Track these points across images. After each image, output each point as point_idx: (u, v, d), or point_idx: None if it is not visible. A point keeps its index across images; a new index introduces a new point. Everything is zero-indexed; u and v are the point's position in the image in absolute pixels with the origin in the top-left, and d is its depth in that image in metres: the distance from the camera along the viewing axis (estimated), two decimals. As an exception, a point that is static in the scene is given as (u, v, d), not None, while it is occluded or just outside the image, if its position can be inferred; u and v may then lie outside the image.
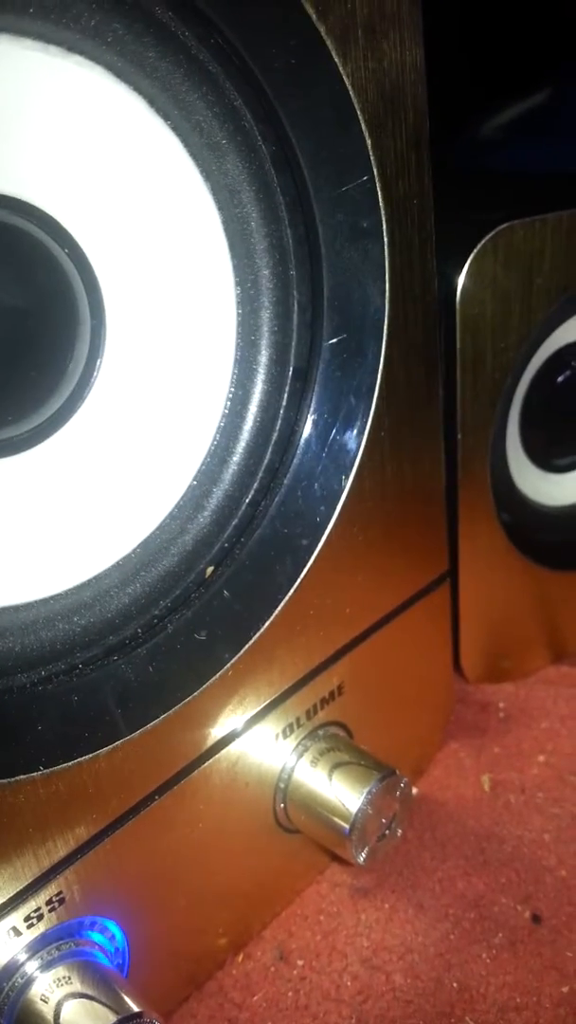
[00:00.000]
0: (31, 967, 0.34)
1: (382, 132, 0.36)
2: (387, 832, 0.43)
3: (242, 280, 0.36)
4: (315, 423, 0.39)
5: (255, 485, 0.38)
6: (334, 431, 0.39)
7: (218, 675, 0.37)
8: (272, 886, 0.45)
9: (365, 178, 0.36)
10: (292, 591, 0.39)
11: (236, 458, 0.38)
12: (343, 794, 0.41)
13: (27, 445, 0.33)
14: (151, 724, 0.35)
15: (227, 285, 0.36)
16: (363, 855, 0.42)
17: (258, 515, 0.38)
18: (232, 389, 0.37)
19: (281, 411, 0.38)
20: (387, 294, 0.38)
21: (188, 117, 0.32)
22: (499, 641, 0.57)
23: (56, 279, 0.32)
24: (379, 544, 0.43)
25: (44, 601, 0.34)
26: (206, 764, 0.38)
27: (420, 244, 0.39)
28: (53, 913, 0.34)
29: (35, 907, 0.33)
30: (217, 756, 0.39)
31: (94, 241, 0.33)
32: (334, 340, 0.38)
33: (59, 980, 0.33)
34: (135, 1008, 0.33)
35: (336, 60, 0.33)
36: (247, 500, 0.38)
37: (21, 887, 0.33)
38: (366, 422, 0.39)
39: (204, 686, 0.37)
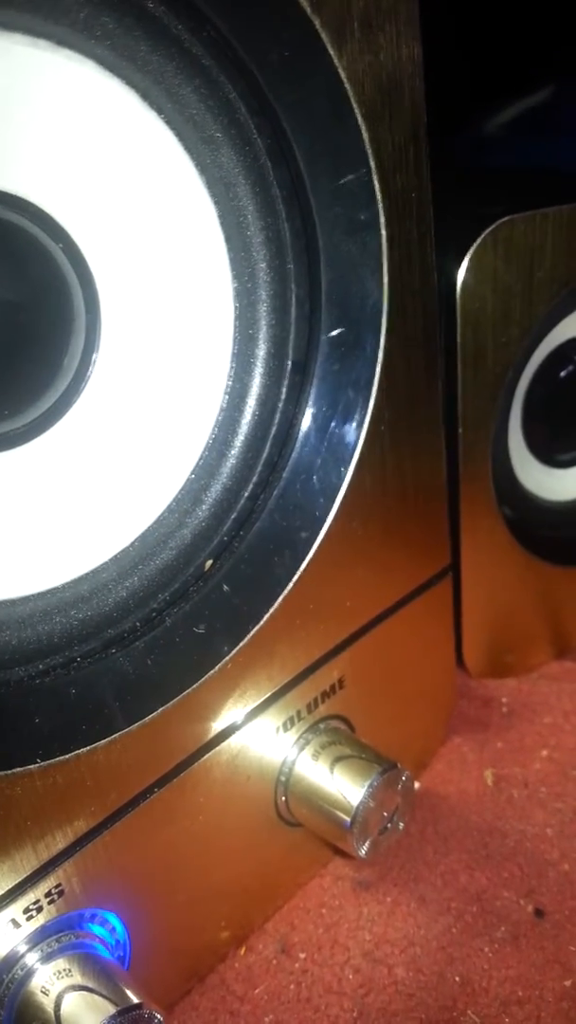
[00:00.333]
0: (31, 959, 0.34)
1: (379, 125, 0.36)
2: (389, 826, 0.43)
3: (239, 274, 0.36)
4: (314, 416, 0.39)
5: (254, 478, 0.38)
6: (333, 424, 0.39)
7: (217, 668, 0.37)
8: (274, 880, 0.45)
9: (363, 171, 0.36)
10: (291, 585, 0.39)
11: (234, 451, 0.38)
12: (345, 787, 0.41)
13: (24, 439, 0.33)
14: (149, 717, 0.35)
15: (224, 279, 0.36)
16: (364, 848, 0.42)
17: (257, 508, 0.38)
18: (230, 383, 0.37)
19: (279, 404, 0.38)
20: (385, 287, 0.38)
21: (182, 110, 0.32)
22: (502, 636, 0.57)
23: (50, 274, 0.32)
24: (380, 538, 0.43)
25: (41, 595, 0.34)
26: (206, 757, 0.38)
27: (419, 237, 0.39)
28: (52, 905, 0.34)
29: (34, 899, 0.34)
30: (217, 749, 0.39)
31: (89, 236, 0.33)
32: (332, 333, 0.38)
33: (60, 972, 0.34)
34: (135, 1000, 0.33)
35: (331, 53, 0.33)
36: (246, 493, 0.38)
37: (19, 879, 0.33)
38: (365, 415, 0.39)
39: (203, 679, 0.37)
